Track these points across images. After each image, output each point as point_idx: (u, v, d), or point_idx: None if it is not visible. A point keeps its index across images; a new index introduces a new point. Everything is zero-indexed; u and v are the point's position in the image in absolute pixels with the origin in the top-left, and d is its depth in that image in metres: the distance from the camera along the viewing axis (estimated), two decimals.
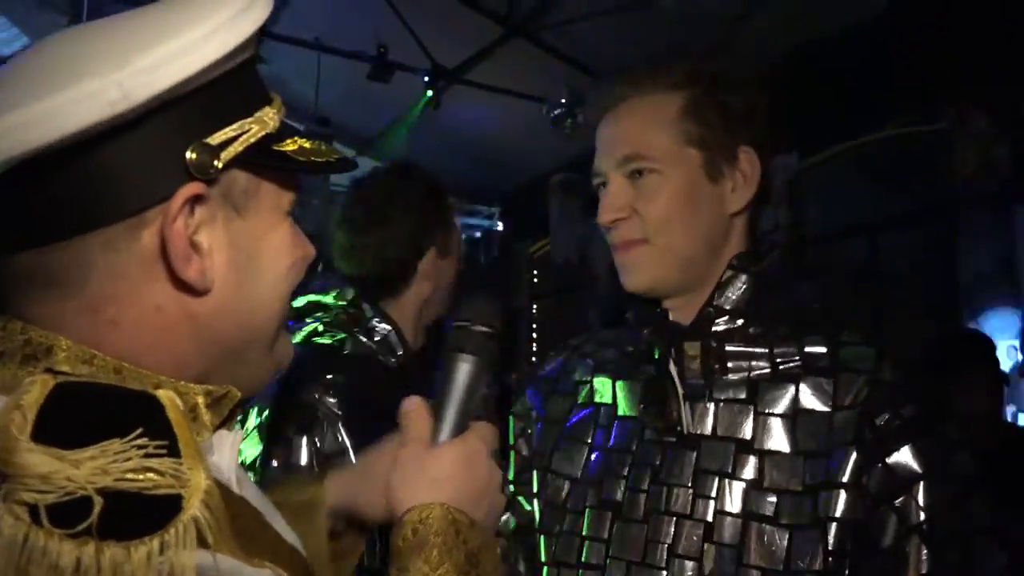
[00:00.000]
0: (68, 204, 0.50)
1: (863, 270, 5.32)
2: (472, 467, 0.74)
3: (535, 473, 1.06)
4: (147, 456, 0.43)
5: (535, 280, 7.82)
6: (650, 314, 1.01)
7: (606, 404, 1.04)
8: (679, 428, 0.96)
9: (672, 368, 0.96)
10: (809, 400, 0.91)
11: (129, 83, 0.48)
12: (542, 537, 1.03)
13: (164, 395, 0.47)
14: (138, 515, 0.41)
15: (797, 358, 0.94)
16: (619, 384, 1.04)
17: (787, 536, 0.86)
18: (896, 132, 4.62)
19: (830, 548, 0.86)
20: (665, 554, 0.92)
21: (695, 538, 0.91)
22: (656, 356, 0.99)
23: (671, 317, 0.99)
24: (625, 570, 0.93)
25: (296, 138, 0.59)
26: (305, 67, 8.16)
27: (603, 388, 1.06)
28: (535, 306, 7.82)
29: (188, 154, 0.52)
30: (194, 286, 0.54)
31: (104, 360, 0.51)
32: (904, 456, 0.86)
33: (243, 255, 0.57)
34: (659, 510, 0.94)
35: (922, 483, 0.85)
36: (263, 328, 0.60)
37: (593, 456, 1.01)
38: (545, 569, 1.01)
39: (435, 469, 0.73)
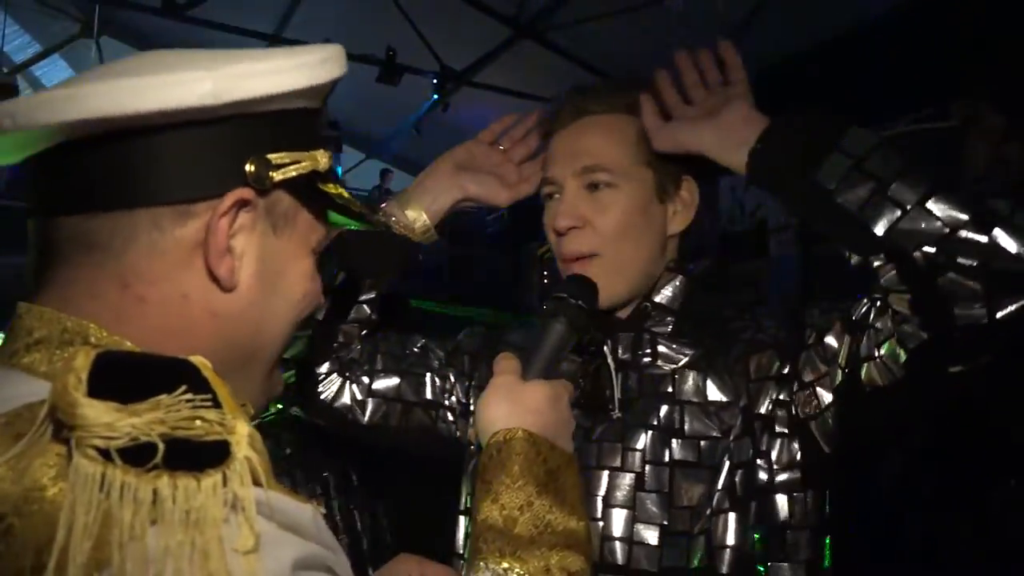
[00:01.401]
0: (131, 176, 0.55)
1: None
2: (556, 405, 0.83)
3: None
4: (195, 408, 0.47)
5: (544, 281, 7.84)
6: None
7: None
8: (611, 407, 1.03)
9: (607, 353, 1.04)
10: (713, 360, 1.02)
11: (220, 83, 0.54)
12: None
13: (197, 360, 0.51)
14: (196, 456, 0.45)
15: (718, 349, 1.03)
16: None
17: (709, 477, 0.96)
18: (906, 129, 4.60)
19: (757, 487, 0.96)
20: (600, 505, 0.98)
21: (627, 488, 0.98)
22: (592, 344, 1.05)
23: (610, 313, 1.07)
24: None
25: (338, 185, 0.65)
26: None
27: None
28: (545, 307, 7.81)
29: (248, 164, 0.57)
30: (222, 282, 0.58)
31: (132, 348, 0.55)
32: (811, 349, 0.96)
33: (269, 270, 0.61)
34: (591, 465, 1.00)
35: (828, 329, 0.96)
36: (270, 344, 0.64)
37: None
38: None
39: (524, 399, 0.82)
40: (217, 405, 0.48)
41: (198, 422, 0.46)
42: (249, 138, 0.57)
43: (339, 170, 8.49)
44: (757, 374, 0.98)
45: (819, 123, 0.90)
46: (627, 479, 0.98)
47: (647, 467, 0.98)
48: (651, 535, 0.96)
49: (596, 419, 1.02)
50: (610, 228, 1.01)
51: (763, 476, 0.96)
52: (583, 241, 1.02)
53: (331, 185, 0.64)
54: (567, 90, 1.10)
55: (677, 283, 1.06)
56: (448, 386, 1.17)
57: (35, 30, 8.89)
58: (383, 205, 1.13)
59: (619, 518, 0.97)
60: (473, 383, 1.16)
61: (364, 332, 1.17)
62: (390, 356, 1.17)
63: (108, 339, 0.54)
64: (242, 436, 0.47)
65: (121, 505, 0.42)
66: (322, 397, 1.14)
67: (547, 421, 0.81)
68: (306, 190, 0.62)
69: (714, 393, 1.00)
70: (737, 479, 0.96)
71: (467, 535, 1.00)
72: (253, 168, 0.57)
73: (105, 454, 0.43)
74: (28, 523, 0.43)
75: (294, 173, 0.60)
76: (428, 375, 1.17)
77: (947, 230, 0.80)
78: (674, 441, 0.98)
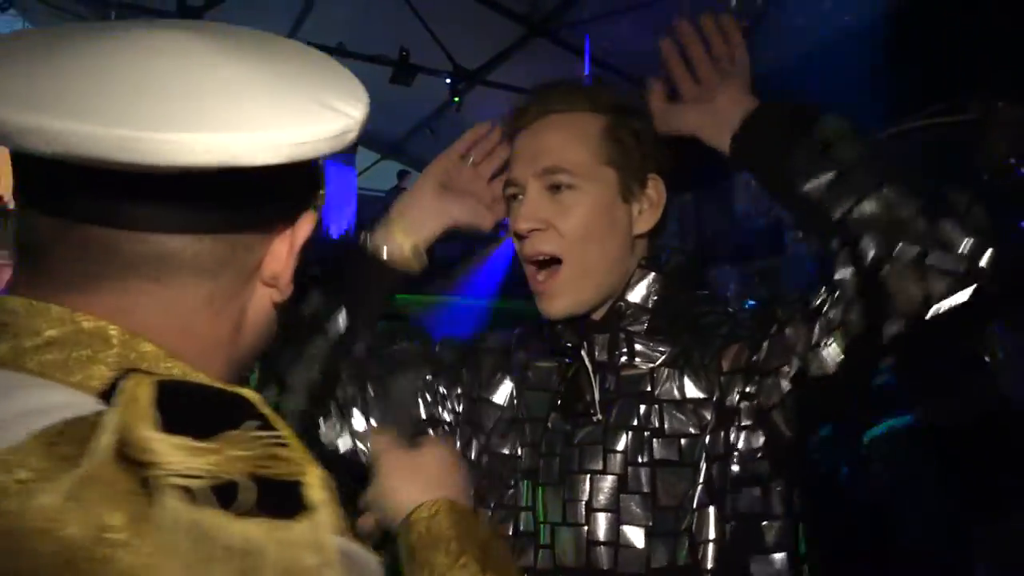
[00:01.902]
0: (241, 203, 0.56)
1: None
2: (453, 465, 0.85)
3: (475, 450, 1.10)
4: (269, 445, 0.44)
5: None
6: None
7: (517, 374, 1.11)
8: (592, 411, 1.02)
9: (584, 357, 1.03)
10: (689, 356, 1.01)
11: (347, 129, 0.56)
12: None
13: (249, 394, 0.49)
14: (281, 499, 0.42)
15: (695, 345, 1.02)
16: (532, 364, 1.11)
17: (690, 475, 0.96)
18: (923, 124, 4.56)
19: (731, 480, 0.95)
20: (583, 510, 0.97)
21: (610, 491, 0.97)
22: (569, 346, 1.05)
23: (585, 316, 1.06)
24: (551, 532, 0.98)
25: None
26: None
27: (519, 364, 1.13)
28: None
29: (319, 188, 0.62)
30: (282, 296, 0.61)
31: (178, 366, 0.54)
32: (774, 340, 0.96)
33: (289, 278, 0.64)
34: (573, 470, 0.99)
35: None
36: (260, 349, 0.65)
37: (516, 430, 1.08)
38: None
39: (426, 469, 0.82)
40: (283, 441, 0.45)
41: (277, 460, 0.43)
42: (317, 168, 0.62)
43: (354, 171, 8.52)
44: (729, 367, 0.98)
45: (797, 110, 0.91)
46: (609, 481, 0.97)
47: (629, 468, 0.97)
48: (637, 537, 0.95)
49: (576, 423, 1.01)
50: (573, 230, 0.99)
51: (735, 468, 0.96)
52: (545, 242, 1.00)
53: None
54: (532, 88, 1.11)
55: (650, 280, 1.05)
56: (440, 399, 1.15)
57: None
58: (365, 235, 1.11)
59: (603, 522, 0.96)
60: (459, 392, 1.14)
61: (351, 368, 1.13)
62: (379, 384, 1.14)
63: (129, 341, 0.52)
64: (316, 477, 0.44)
65: (214, 554, 0.39)
66: (327, 448, 1.11)
67: (455, 485, 0.83)
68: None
69: (691, 390, 0.99)
70: (714, 473, 0.96)
71: None
72: (322, 193, 0.63)
73: (191, 495, 0.40)
74: (102, 571, 0.38)
75: (323, 191, 0.64)
76: (419, 396, 1.14)
77: (894, 218, 0.80)
78: (655, 441, 0.97)
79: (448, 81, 6.90)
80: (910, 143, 4.63)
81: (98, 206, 0.52)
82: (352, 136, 0.56)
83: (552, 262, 1.01)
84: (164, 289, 0.54)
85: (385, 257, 1.07)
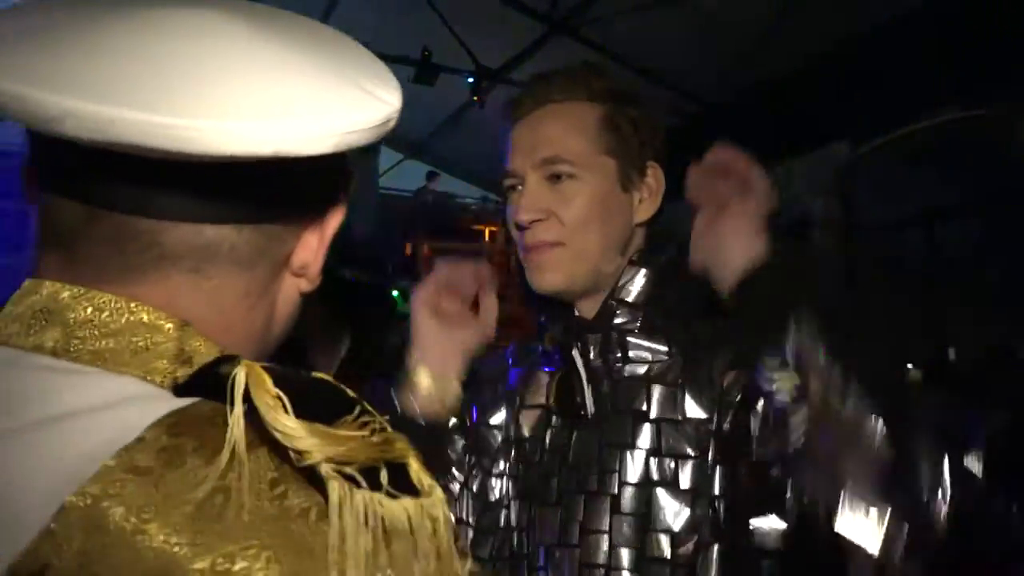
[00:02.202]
0: (280, 193, 0.55)
1: (922, 261, 5.18)
2: None
3: (479, 477, 1.08)
4: (378, 431, 0.45)
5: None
6: (557, 313, 1.05)
7: (514, 394, 1.10)
8: (583, 412, 1.00)
9: (576, 357, 1.01)
10: (692, 373, 0.97)
11: (396, 115, 0.54)
12: (475, 533, 1.05)
13: (325, 376, 0.50)
14: (405, 479, 0.44)
15: (701, 356, 0.98)
16: (529, 376, 1.09)
17: (688, 499, 0.92)
18: (953, 117, 4.49)
19: (731, 507, 0.92)
20: (577, 531, 0.95)
21: (603, 512, 0.95)
22: (561, 348, 1.03)
23: (577, 314, 1.04)
24: (546, 554, 0.97)
25: None
26: None
27: (519, 379, 1.11)
28: None
29: (351, 182, 0.61)
30: (310, 287, 0.60)
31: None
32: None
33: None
34: (571, 490, 0.97)
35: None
36: (279, 338, 0.64)
37: (512, 450, 1.07)
38: (487, 565, 1.04)
39: None
40: (384, 427, 0.46)
41: (389, 445, 0.45)
42: (347, 157, 0.59)
43: (378, 170, 8.56)
44: (727, 388, 0.94)
45: (795, 275, 0.86)
46: (603, 502, 0.95)
47: (623, 489, 0.94)
48: (629, 560, 0.92)
49: (572, 437, 1.00)
50: (574, 219, 0.99)
51: (735, 495, 0.91)
52: (547, 231, 1.00)
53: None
54: (529, 78, 1.09)
55: (641, 277, 1.03)
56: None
57: None
58: (399, 394, 1.05)
59: (597, 544, 0.94)
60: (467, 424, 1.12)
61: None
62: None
63: (183, 335, 0.51)
64: (416, 458, 0.46)
65: (385, 533, 0.41)
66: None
67: None
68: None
69: (691, 409, 0.95)
70: (713, 498, 0.92)
71: None
72: (351, 183, 0.61)
73: (353, 481, 0.41)
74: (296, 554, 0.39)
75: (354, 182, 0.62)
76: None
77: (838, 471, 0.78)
78: (651, 461, 0.94)
79: (470, 80, 6.91)
80: (939, 137, 4.56)
81: (133, 194, 0.50)
82: (393, 124, 0.54)
83: (554, 247, 1.01)
84: (204, 281, 0.52)
85: (424, 423, 1.02)
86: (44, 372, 0.46)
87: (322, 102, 0.50)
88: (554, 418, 1.03)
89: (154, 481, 0.39)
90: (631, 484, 0.94)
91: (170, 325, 0.50)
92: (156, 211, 0.50)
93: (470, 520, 1.07)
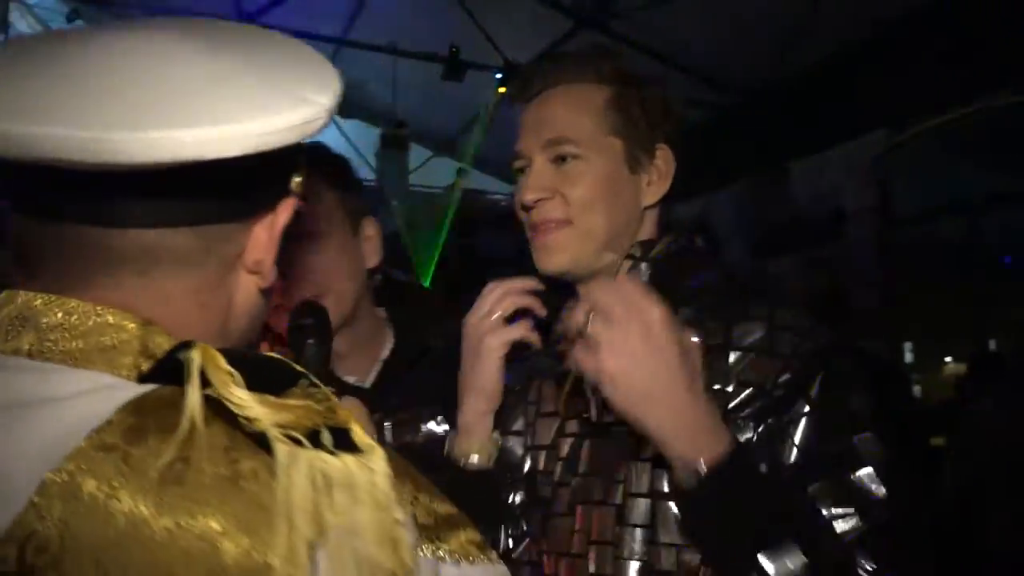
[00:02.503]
0: (217, 195, 0.58)
1: (962, 252, 5.07)
2: (364, 417, 0.93)
3: (507, 490, 1.07)
4: (323, 400, 0.51)
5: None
6: (562, 302, 1.03)
7: (531, 402, 1.08)
8: (587, 416, 0.98)
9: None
10: (715, 372, 0.92)
11: (309, 117, 0.57)
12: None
13: (279, 356, 0.55)
14: (347, 441, 0.50)
15: (711, 355, 0.94)
16: (542, 382, 1.07)
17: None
18: (993, 103, 4.37)
19: None
20: (585, 542, 0.94)
21: (608, 523, 0.93)
22: (564, 354, 1.00)
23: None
24: (555, 563, 0.97)
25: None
26: (381, 71, 8.33)
27: (534, 388, 1.10)
28: None
29: (295, 176, 0.64)
30: (265, 283, 0.64)
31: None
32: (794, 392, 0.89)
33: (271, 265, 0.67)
34: (579, 501, 0.96)
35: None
36: (254, 332, 0.69)
37: (527, 457, 1.06)
38: (514, 568, 1.04)
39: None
40: (328, 398, 0.52)
41: (332, 413, 0.51)
42: (295, 155, 0.64)
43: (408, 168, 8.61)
44: (739, 407, 0.91)
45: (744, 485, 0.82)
46: (608, 512, 0.93)
47: (628, 499, 0.92)
48: (633, 572, 0.91)
49: (582, 446, 0.98)
50: (579, 199, 0.98)
51: None
52: (553, 209, 0.99)
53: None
54: (537, 58, 1.09)
55: (643, 270, 1.00)
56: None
57: None
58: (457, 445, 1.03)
59: (602, 555, 0.92)
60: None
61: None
62: None
63: (145, 333, 0.56)
64: (357, 424, 0.52)
65: (326, 485, 0.46)
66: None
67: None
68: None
69: None
70: None
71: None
72: (299, 177, 0.65)
73: (296, 440, 0.47)
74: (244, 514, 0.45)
75: (301, 177, 0.66)
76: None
77: None
78: (655, 470, 0.92)
79: (498, 76, 6.90)
80: (979, 124, 4.46)
81: (81, 206, 0.55)
82: (320, 123, 0.57)
83: (561, 226, 1.00)
84: (152, 282, 0.57)
85: (486, 472, 1.02)
86: (20, 371, 0.52)
87: (242, 108, 0.53)
88: (566, 426, 1.03)
89: (121, 456, 0.45)
90: (637, 495, 0.92)
91: (133, 324, 0.55)
92: (101, 219, 0.55)
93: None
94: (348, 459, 0.48)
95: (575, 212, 0.98)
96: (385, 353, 1.23)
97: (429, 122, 8.42)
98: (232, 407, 0.48)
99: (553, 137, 1.01)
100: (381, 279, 1.31)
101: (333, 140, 10.55)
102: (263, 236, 0.62)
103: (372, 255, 1.23)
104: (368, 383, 1.21)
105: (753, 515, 0.80)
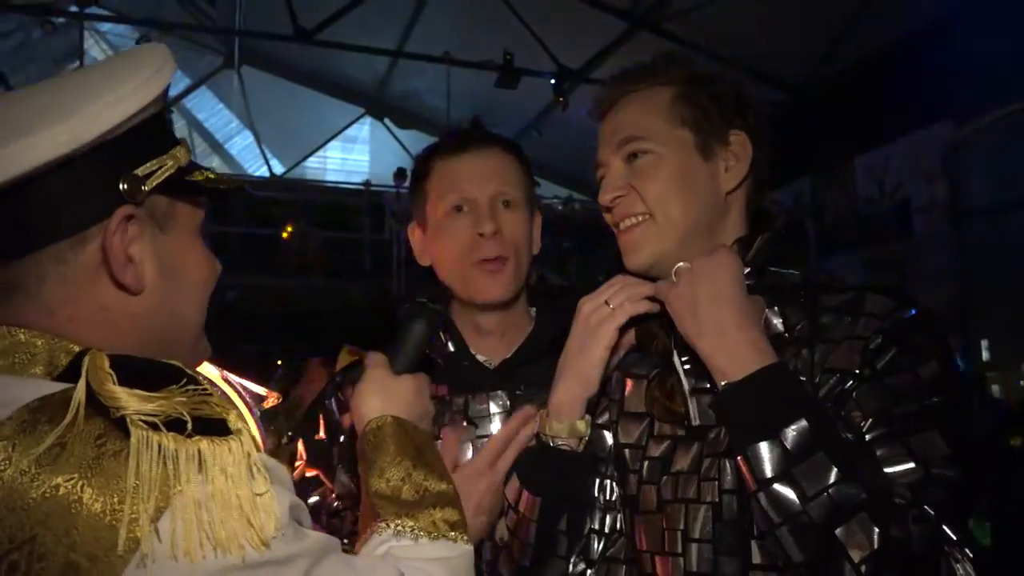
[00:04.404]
0: (24, 226, 0.65)
1: None
2: (419, 396, 0.97)
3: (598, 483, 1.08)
4: (200, 394, 0.61)
5: None
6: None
7: (615, 399, 1.07)
8: (686, 421, 0.97)
9: (677, 361, 0.98)
10: (804, 368, 0.92)
11: (76, 129, 0.63)
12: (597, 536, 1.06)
13: (176, 363, 0.63)
14: (214, 428, 0.59)
15: (783, 331, 0.95)
16: (630, 381, 1.06)
17: None
18: None
19: None
20: (680, 539, 0.94)
21: (706, 521, 0.93)
22: (662, 350, 1.00)
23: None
24: (651, 561, 0.97)
25: (203, 171, 0.75)
26: (436, 81, 8.46)
27: (618, 384, 1.09)
28: None
29: (121, 184, 0.66)
30: (130, 289, 0.68)
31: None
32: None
33: (168, 265, 0.71)
34: (669, 499, 0.96)
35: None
36: (189, 326, 0.76)
37: (614, 456, 1.05)
38: (607, 566, 1.04)
39: (394, 391, 0.95)
40: (210, 393, 0.61)
41: (206, 405, 0.60)
42: (116, 161, 0.66)
43: None
44: (826, 397, 0.90)
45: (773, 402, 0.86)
46: (705, 511, 0.93)
47: (723, 496, 0.92)
48: (734, 568, 0.91)
49: (673, 446, 0.98)
50: (654, 191, 0.99)
51: None
52: (631, 205, 1.00)
53: (196, 173, 0.73)
54: (609, 77, 1.10)
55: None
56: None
57: (184, 65, 9.67)
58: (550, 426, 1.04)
59: (700, 552, 0.93)
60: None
61: None
62: None
63: (56, 343, 0.64)
64: (235, 415, 0.61)
65: (176, 463, 0.56)
66: None
67: (412, 410, 0.94)
68: (177, 186, 0.71)
69: None
70: None
71: None
72: (126, 186, 0.66)
73: (154, 427, 0.57)
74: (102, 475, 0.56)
75: (162, 178, 0.69)
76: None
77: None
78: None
79: (552, 81, 6.93)
80: None
81: None
82: (75, 133, 0.62)
83: (641, 220, 1.01)
84: (26, 303, 0.66)
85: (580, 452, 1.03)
86: None
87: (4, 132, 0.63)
88: (655, 426, 1.03)
89: (12, 443, 0.56)
90: (731, 492, 0.92)
91: (41, 340, 0.65)
92: None
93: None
94: (202, 441, 0.57)
95: (652, 205, 0.99)
96: (522, 340, 1.27)
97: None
98: (101, 398, 0.57)
99: (623, 137, 1.02)
100: (536, 279, 1.35)
101: (392, 150, 10.69)
102: (109, 248, 0.66)
103: (537, 243, 1.29)
104: (494, 365, 1.25)
105: (783, 423, 0.83)
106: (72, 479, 0.55)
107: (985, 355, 5.88)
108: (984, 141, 5.15)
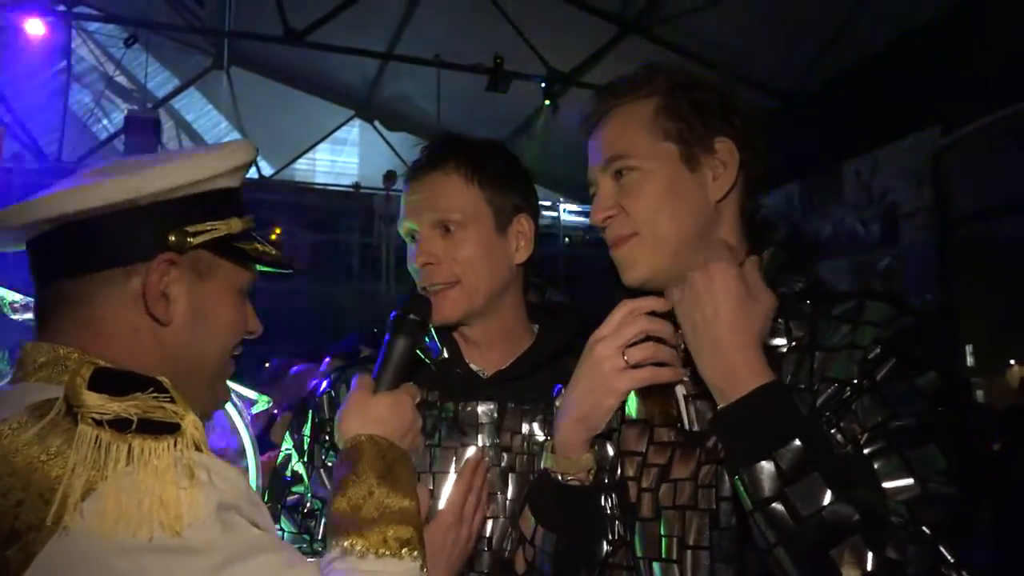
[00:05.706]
0: (93, 250, 0.80)
1: (1020, 251, 4.91)
2: (398, 412, 0.99)
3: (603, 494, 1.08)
4: (160, 401, 0.71)
5: None
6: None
7: (618, 408, 1.07)
8: (680, 425, 0.98)
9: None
10: (791, 381, 0.92)
11: (142, 183, 0.79)
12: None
13: (162, 378, 0.74)
14: (158, 429, 0.69)
15: (784, 343, 0.95)
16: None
17: None
18: None
19: None
20: (676, 546, 0.95)
21: (702, 528, 0.93)
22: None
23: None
24: (649, 567, 0.98)
25: (259, 243, 0.89)
26: (426, 84, 8.46)
27: None
28: None
29: (171, 235, 0.80)
30: (159, 319, 0.80)
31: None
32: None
33: (199, 308, 0.83)
34: (667, 506, 0.97)
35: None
36: (207, 364, 0.86)
37: (615, 462, 1.05)
38: (607, 573, 1.04)
39: (370, 411, 0.98)
40: (174, 401, 0.72)
41: (160, 409, 0.70)
42: (172, 215, 0.81)
43: None
44: (824, 406, 0.90)
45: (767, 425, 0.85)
46: (701, 518, 0.94)
47: (721, 504, 0.92)
48: (728, 574, 0.91)
49: (671, 453, 0.99)
50: (641, 209, 1.00)
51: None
52: (621, 225, 1.01)
53: (248, 242, 0.87)
54: (594, 92, 1.10)
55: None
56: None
57: (173, 66, 9.61)
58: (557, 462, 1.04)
59: (697, 559, 0.93)
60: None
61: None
62: None
63: (86, 360, 0.75)
64: (190, 420, 0.71)
65: (108, 453, 0.66)
66: None
67: (388, 427, 0.97)
68: (223, 247, 0.84)
69: None
70: None
71: None
72: (174, 238, 0.80)
73: (99, 423, 0.67)
74: (38, 476, 0.67)
75: (207, 238, 0.82)
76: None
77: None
78: None
79: (543, 85, 6.94)
80: None
81: (36, 271, 0.83)
82: (139, 186, 0.78)
83: (630, 238, 1.01)
84: (62, 321, 0.80)
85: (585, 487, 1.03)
86: (13, 392, 0.77)
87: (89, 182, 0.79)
88: (654, 433, 1.03)
89: (15, 429, 0.68)
90: (728, 499, 0.92)
91: (75, 355, 0.78)
92: (40, 278, 0.82)
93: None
94: (137, 438, 0.67)
95: (639, 223, 1.00)
96: (520, 352, 1.24)
97: (473, 133, 8.53)
98: (70, 400, 0.68)
99: (608, 156, 1.03)
100: (537, 297, 1.31)
101: (382, 153, 10.68)
102: (148, 283, 0.79)
103: (523, 251, 1.23)
104: (487, 374, 1.23)
105: (778, 444, 0.82)
106: (41, 460, 0.66)
107: (969, 360, 5.92)
108: (971, 147, 5.20)
